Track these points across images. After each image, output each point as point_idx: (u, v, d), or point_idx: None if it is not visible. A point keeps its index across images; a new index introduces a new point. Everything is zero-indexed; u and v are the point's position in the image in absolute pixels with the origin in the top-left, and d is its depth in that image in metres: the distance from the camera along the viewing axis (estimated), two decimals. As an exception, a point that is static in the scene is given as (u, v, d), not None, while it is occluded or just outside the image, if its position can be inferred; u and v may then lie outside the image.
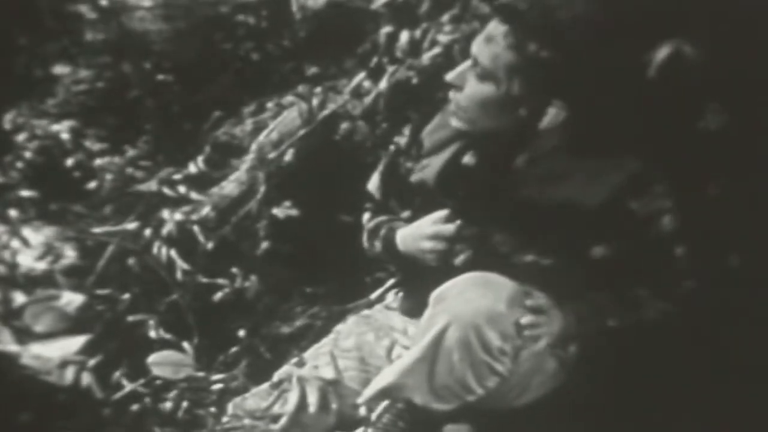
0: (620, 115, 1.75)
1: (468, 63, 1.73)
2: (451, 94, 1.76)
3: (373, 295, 2.20)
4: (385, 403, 1.67)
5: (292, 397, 1.76)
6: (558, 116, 1.70)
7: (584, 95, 1.69)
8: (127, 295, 2.26)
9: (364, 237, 1.94)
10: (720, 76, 1.89)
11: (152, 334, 2.16)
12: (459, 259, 1.72)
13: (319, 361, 1.82)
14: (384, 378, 1.64)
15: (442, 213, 1.75)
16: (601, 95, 1.71)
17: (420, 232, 1.77)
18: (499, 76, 1.67)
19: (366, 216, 1.98)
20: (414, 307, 1.78)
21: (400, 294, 1.93)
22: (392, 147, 1.96)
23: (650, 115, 1.87)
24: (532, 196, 1.67)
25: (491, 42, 1.67)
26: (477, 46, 1.71)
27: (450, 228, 1.72)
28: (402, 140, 1.94)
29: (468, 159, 1.80)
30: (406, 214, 1.88)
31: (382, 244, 1.86)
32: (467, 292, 1.60)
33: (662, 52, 1.81)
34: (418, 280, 1.76)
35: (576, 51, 1.66)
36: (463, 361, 1.57)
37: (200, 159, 2.60)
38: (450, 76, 1.75)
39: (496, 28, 1.68)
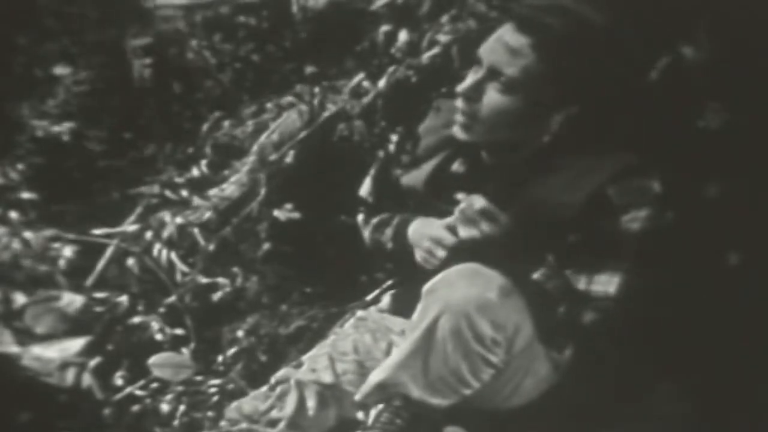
0: (624, 114, 1.75)
1: (479, 74, 1.68)
2: (460, 105, 1.70)
3: (369, 297, 2.20)
4: (381, 403, 1.67)
5: (290, 401, 1.76)
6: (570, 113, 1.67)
7: (599, 97, 1.68)
8: (125, 297, 2.26)
9: (369, 229, 1.94)
10: (721, 76, 1.90)
11: (158, 336, 2.16)
12: None
13: (317, 364, 1.82)
14: (379, 373, 1.64)
15: (451, 220, 1.74)
16: (612, 96, 1.70)
17: (426, 230, 1.77)
18: (531, 88, 1.64)
19: (360, 217, 1.98)
20: (405, 307, 1.78)
21: (392, 294, 1.93)
22: (382, 152, 1.97)
23: (651, 114, 1.87)
24: (524, 197, 1.67)
25: (518, 55, 1.63)
26: (496, 57, 1.65)
27: (450, 238, 1.72)
28: (392, 144, 1.94)
29: (457, 167, 1.80)
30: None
31: (394, 231, 1.85)
32: (458, 282, 1.61)
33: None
34: (411, 279, 1.76)
35: (597, 56, 1.64)
36: (457, 352, 1.58)
37: (203, 163, 2.61)
38: (462, 88, 1.69)
39: (516, 39, 1.64)
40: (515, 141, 1.71)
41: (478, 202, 1.61)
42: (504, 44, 1.65)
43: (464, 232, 1.64)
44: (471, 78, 1.69)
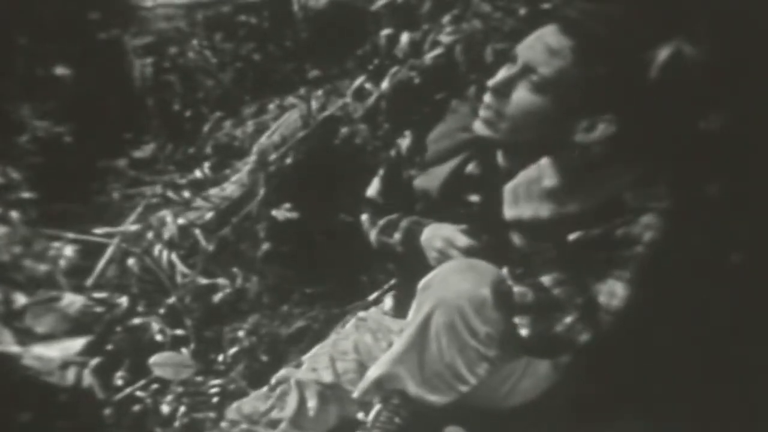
0: (648, 122, 1.74)
1: (512, 69, 1.67)
2: (487, 100, 1.69)
3: (371, 297, 2.20)
4: (380, 402, 1.67)
5: (291, 401, 1.76)
6: (608, 129, 1.64)
7: (635, 109, 1.66)
8: (125, 298, 2.26)
9: (375, 230, 1.93)
10: (723, 75, 1.90)
11: (158, 337, 2.16)
12: None
13: (317, 363, 1.82)
14: (376, 369, 1.65)
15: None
16: (647, 107, 1.69)
17: (440, 231, 1.77)
18: (562, 91, 1.63)
19: (364, 217, 1.98)
20: (408, 309, 1.78)
21: (393, 296, 1.93)
22: (393, 152, 1.95)
23: (658, 116, 1.87)
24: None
25: (557, 56, 1.62)
26: (534, 55, 1.64)
27: (464, 240, 1.72)
28: (403, 144, 1.93)
29: (472, 169, 1.79)
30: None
31: (403, 234, 1.85)
32: (451, 277, 1.62)
33: (665, 52, 1.82)
34: (413, 282, 1.76)
35: (631, 65, 1.64)
36: (452, 346, 1.59)
37: (206, 165, 2.60)
38: (494, 82, 1.68)
39: (558, 40, 1.63)
40: (536, 144, 1.69)
41: None
42: (544, 44, 1.64)
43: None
44: (503, 73, 1.68)
